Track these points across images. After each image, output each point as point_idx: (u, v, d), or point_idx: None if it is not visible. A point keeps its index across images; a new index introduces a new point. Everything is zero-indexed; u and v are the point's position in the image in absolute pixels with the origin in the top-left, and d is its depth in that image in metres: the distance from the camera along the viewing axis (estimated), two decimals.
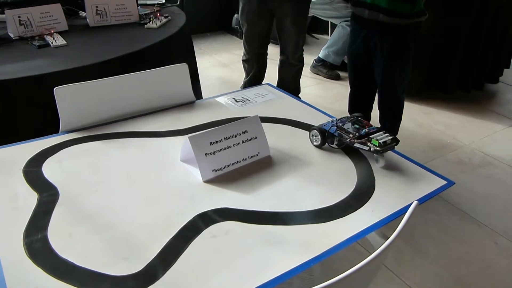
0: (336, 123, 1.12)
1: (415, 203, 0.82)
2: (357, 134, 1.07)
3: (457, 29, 2.94)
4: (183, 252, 0.79)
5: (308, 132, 1.18)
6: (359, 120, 1.14)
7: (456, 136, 2.73)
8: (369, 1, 1.89)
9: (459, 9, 2.90)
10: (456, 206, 2.09)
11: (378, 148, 1.03)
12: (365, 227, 0.87)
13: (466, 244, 1.87)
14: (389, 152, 1.13)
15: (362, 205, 0.94)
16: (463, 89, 3.21)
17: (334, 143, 1.13)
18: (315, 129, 1.14)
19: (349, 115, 1.17)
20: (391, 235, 0.78)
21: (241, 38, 3.41)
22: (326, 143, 1.14)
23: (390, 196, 0.97)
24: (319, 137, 1.13)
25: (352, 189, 0.99)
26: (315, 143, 1.15)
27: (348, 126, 1.11)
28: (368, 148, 1.05)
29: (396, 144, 1.06)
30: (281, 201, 0.94)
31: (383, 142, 1.04)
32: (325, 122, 1.15)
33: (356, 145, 1.07)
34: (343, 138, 1.10)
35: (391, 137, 1.06)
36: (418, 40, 2.00)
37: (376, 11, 1.88)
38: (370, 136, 1.05)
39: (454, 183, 1.03)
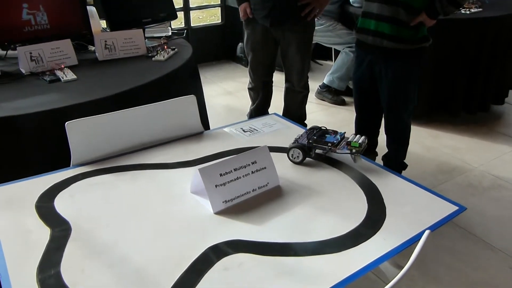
0: (307, 138, 1.22)
1: (427, 232, 0.82)
2: (334, 142, 1.20)
3: (460, 52, 2.97)
4: (196, 286, 0.79)
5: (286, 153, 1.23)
6: (323, 130, 1.27)
7: (464, 159, 2.72)
8: (373, 27, 1.92)
9: (461, 32, 2.93)
10: (468, 231, 2.07)
11: (359, 149, 1.17)
12: (378, 257, 0.86)
13: (480, 269, 1.84)
14: (399, 178, 1.14)
15: (374, 234, 0.93)
16: (468, 111, 3.21)
17: (312, 156, 1.22)
18: (295, 148, 1.21)
19: (307, 130, 1.27)
20: (403, 263, 0.77)
21: (246, 66, 3.46)
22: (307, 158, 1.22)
23: (402, 224, 0.96)
24: (301, 153, 1.20)
25: (363, 218, 0.99)
26: (296, 161, 1.21)
27: (319, 137, 1.23)
28: (350, 151, 1.17)
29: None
30: (293, 232, 0.94)
31: (361, 142, 1.17)
32: (293, 141, 1.23)
33: (338, 151, 1.18)
34: (322, 149, 1.20)
35: (363, 137, 1.19)
36: (423, 65, 2.02)
37: (380, 37, 1.91)
38: (348, 140, 1.19)
39: (466, 209, 1.03)
